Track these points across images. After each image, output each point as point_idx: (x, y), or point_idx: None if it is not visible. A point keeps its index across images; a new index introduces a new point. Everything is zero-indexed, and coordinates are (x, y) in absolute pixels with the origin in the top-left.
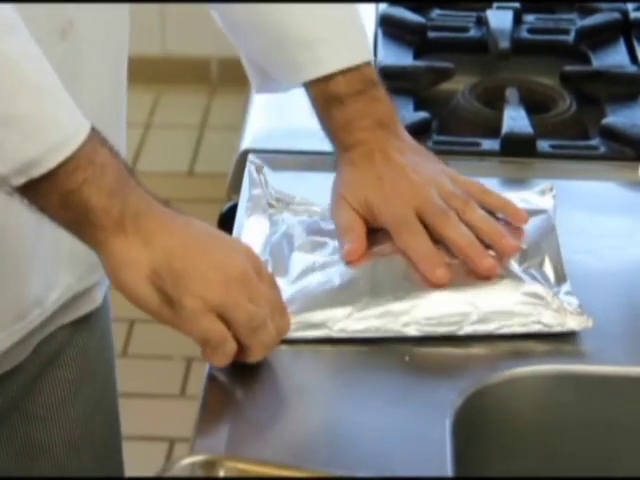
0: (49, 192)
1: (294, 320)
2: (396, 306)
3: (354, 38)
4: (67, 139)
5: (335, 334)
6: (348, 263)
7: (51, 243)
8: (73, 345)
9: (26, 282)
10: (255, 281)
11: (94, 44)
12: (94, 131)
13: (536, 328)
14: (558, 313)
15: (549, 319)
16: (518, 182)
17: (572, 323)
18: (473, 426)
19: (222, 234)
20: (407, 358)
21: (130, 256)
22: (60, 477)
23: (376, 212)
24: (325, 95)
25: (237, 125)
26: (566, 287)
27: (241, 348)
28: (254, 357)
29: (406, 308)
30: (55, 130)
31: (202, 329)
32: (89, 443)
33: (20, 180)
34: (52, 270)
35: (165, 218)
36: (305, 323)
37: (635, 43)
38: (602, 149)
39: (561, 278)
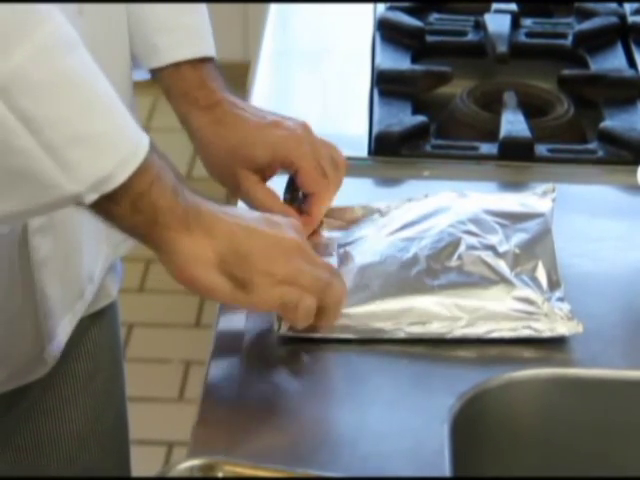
0: (121, 199)
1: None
2: (385, 309)
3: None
4: (134, 150)
5: (324, 334)
6: None
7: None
8: (87, 339)
9: (80, 259)
10: (309, 249)
11: (107, 22)
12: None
13: (526, 333)
14: (548, 318)
15: (539, 324)
16: (516, 186)
17: (562, 328)
18: (471, 430)
19: (267, 214)
20: (405, 362)
21: (197, 251)
22: (59, 477)
23: (293, 164)
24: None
25: None
26: (559, 293)
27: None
28: (332, 317)
29: (395, 311)
30: (124, 144)
31: (276, 297)
32: (98, 438)
33: (93, 197)
34: (96, 243)
35: (217, 210)
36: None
37: (633, 47)
38: (600, 153)
39: (555, 284)
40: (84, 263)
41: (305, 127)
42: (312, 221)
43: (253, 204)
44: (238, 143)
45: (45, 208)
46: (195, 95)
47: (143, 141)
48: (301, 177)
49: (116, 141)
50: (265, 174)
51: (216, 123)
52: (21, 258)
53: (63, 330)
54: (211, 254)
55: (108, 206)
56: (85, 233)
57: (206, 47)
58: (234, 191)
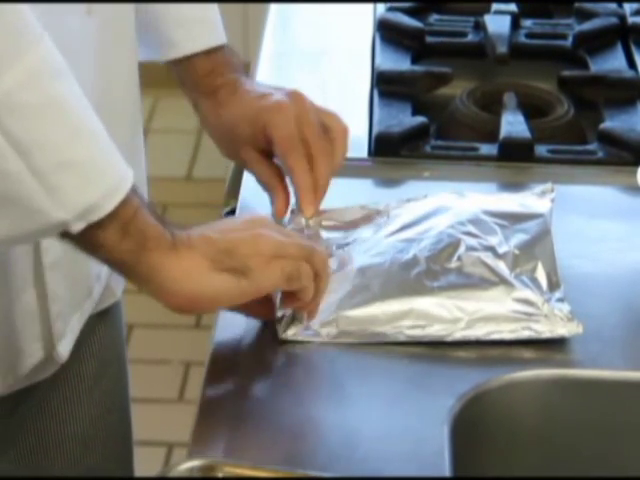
0: (108, 225)
1: (289, 325)
2: (385, 311)
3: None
4: (120, 179)
5: (323, 338)
6: (279, 221)
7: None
8: (93, 340)
9: (89, 259)
10: (279, 226)
11: (116, 23)
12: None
13: (526, 334)
14: (548, 319)
15: (539, 325)
16: (516, 187)
17: (562, 330)
18: (471, 431)
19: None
20: (405, 362)
21: (187, 265)
22: (63, 477)
23: (269, 135)
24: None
25: None
26: (559, 294)
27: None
28: (324, 280)
29: (395, 313)
30: (111, 172)
31: (279, 272)
32: (102, 439)
33: (80, 226)
34: None
35: (192, 228)
36: (295, 326)
37: (632, 48)
38: (600, 154)
39: (554, 284)
40: (92, 264)
41: (293, 96)
42: (284, 196)
43: (258, 181)
44: (231, 122)
45: (30, 236)
46: (203, 83)
47: (128, 172)
48: (274, 147)
49: (103, 169)
50: (268, 150)
51: (217, 107)
52: (33, 261)
53: (72, 329)
54: (201, 260)
55: (96, 234)
56: None
57: (217, 36)
58: (246, 169)
